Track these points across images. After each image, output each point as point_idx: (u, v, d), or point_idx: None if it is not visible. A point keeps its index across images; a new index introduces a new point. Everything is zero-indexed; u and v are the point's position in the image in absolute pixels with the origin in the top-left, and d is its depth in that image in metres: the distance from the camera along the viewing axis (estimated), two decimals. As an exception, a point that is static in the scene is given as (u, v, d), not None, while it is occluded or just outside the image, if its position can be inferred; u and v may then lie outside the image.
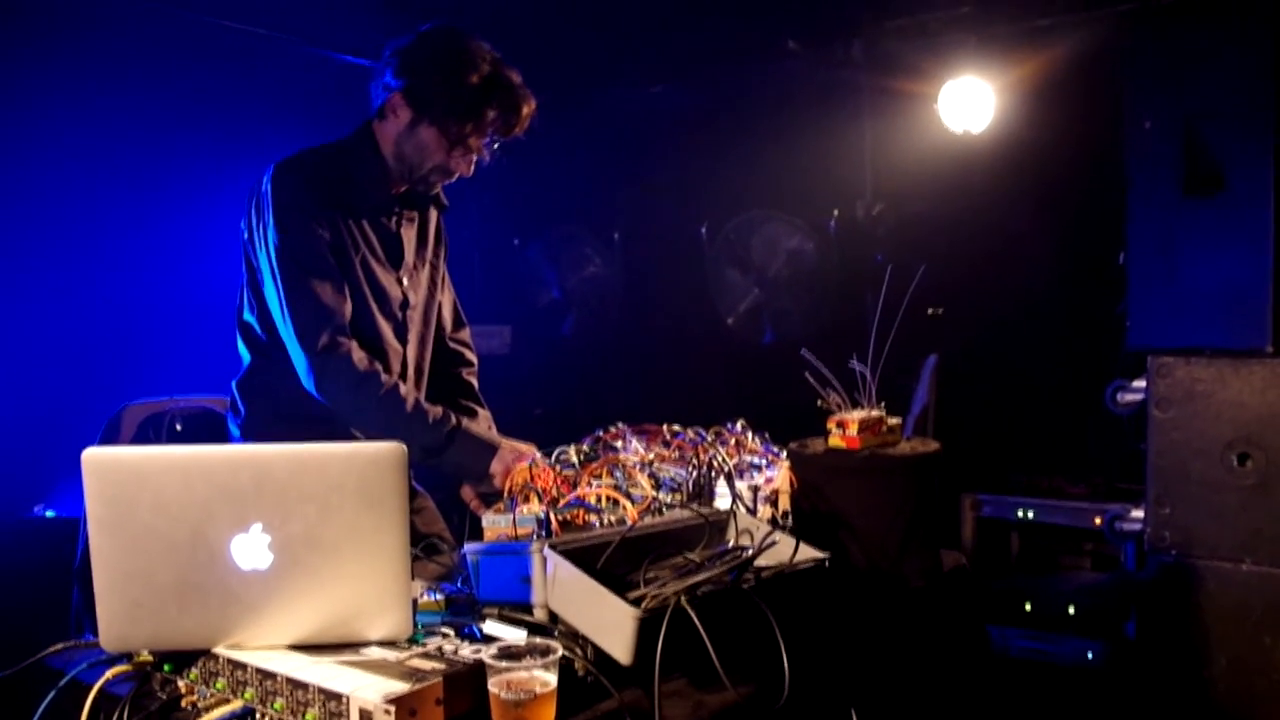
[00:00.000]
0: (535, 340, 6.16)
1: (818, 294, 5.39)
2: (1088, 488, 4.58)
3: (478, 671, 1.44)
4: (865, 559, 2.12)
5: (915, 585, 2.16)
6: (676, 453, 2.19)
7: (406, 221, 2.59)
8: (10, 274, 4.01)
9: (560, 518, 1.89)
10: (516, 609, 1.68)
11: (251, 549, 1.52)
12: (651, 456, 2.16)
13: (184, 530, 1.52)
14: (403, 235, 2.57)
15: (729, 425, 2.37)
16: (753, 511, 2.12)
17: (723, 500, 2.11)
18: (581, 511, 1.93)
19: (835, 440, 2.24)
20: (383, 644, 1.57)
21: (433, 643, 1.59)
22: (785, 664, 1.58)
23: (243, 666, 1.50)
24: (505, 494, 2.04)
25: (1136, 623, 3.80)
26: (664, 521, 1.90)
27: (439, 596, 1.76)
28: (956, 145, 4.91)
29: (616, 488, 1.99)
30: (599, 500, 1.96)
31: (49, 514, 4.00)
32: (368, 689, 1.38)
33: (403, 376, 2.56)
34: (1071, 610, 4.23)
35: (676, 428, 2.28)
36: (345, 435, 2.38)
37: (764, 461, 2.27)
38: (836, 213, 5.41)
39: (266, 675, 1.47)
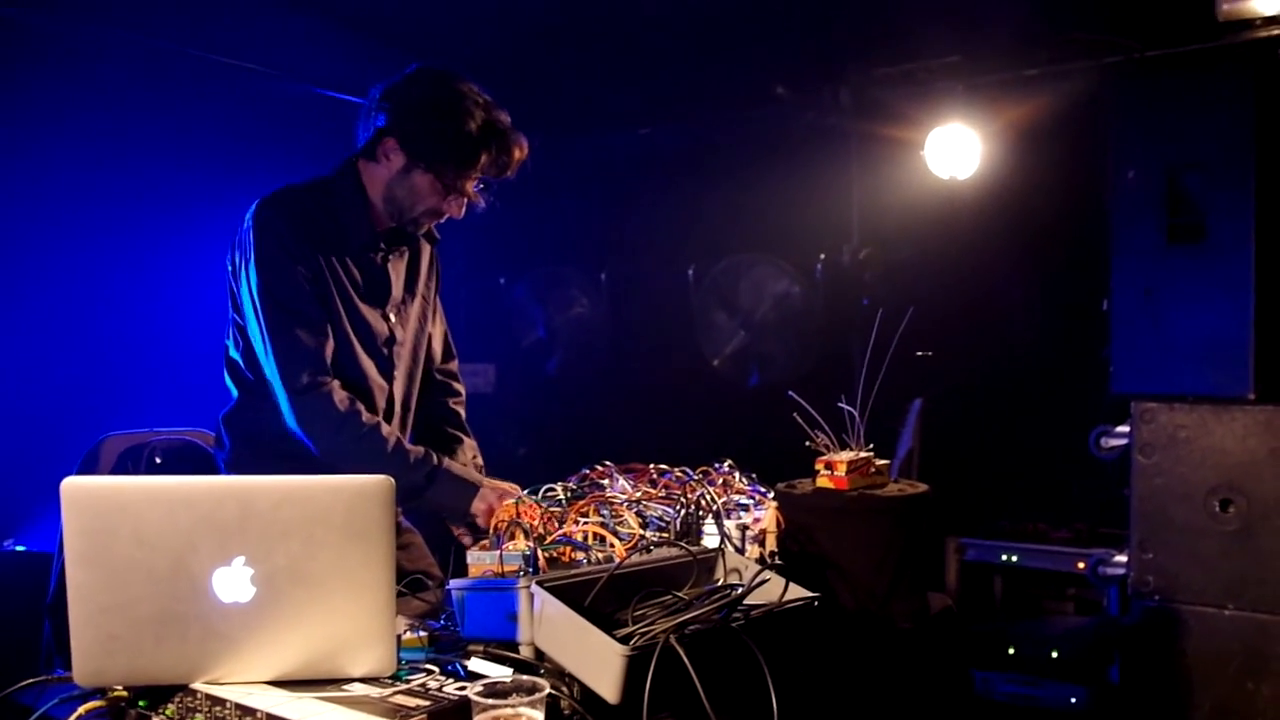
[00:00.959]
0: (520, 380, 6.14)
1: (804, 337, 5.40)
2: (1071, 532, 4.58)
3: (463, 709, 1.42)
4: (853, 600, 2.10)
5: (903, 627, 2.14)
6: (664, 491, 2.17)
7: (395, 256, 2.56)
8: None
9: (547, 555, 1.87)
10: (502, 646, 1.66)
11: (233, 582, 1.50)
12: (639, 495, 2.14)
13: (164, 562, 1.49)
14: (390, 270, 2.55)
15: (716, 465, 2.36)
16: (741, 550, 2.10)
17: (710, 539, 2.10)
18: (568, 549, 1.91)
19: (823, 481, 2.24)
20: (365, 680, 1.54)
21: (416, 679, 1.56)
22: (774, 704, 1.56)
23: (221, 702, 1.47)
24: (491, 531, 2.02)
25: (1120, 667, 3.80)
26: (652, 559, 1.89)
27: (423, 633, 1.73)
28: (943, 191, 4.95)
29: (604, 525, 1.97)
30: (586, 538, 1.94)
31: (19, 549, 3.93)
32: (350, 726, 1.36)
33: (389, 413, 2.53)
34: (1055, 655, 4.21)
35: (663, 467, 2.27)
36: (331, 473, 2.35)
37: (751, 501, 2.26)
38: (823, 257, 5.44)
39: (246, 711, 1.44)
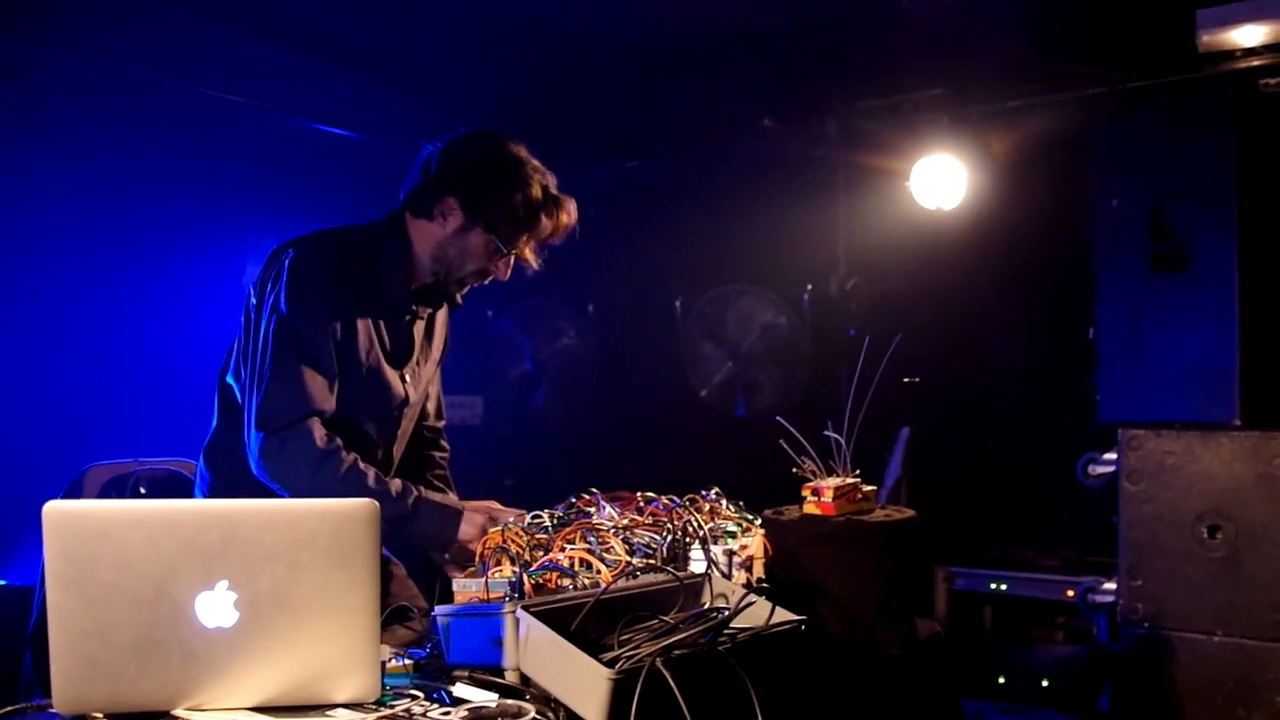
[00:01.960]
0: (508, 412, 6.13)
1: (791, 368, 5.41)
2: (1060, 560, 4.58)
3: (447, 734, 1.40)
4: (841, 626, 2.10)
5: (891, 653, 2.14)
6: (650, 519, 2.17)
7: (419, 317, 2.56)
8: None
9: (533, 581, 1.86)
10: (488, 672, 1.64)
11: (216, 606, 1.49)
12: (625, 522, 2.14)
13: (147, 587, 1.48)
14: (414, 332, 2.55)
15: (703, 493, 2.35)
16: (728, 576, 2.09)
17: (697, 565, 2.09)
18: (555, 574, 1.90)
19: (810, 507, 2.23)
20: (349, 706, 1.53)
21: (400, 705, 1.55)
22: (761, 729, 1.55)
23: (203, 729, 1.46)
24: (477, 558, 2.01)
25: (1110, 695, 3.78)
26: (639, 584, 1.88)
27: (407, 661, 1.72)
28: (929, 222, 4.97)
29: (590, 552, 1.96)
30: (572, 564, 1.93)
31: (0, 583, 3.89)
32: (333, 751, 1.34)
33: (380, 468, 2.50)
34: (1045, 683, 4.20)
35: (650, 495, 2.26)
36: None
37: (739, 529, 2.26)
38: (810, 287, 5.46)
39: (228, 737, 1.43)
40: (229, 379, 2.45)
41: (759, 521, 2.28)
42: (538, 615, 1.60)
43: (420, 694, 1.61)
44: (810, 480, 2.24)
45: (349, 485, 2.27)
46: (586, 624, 1.67)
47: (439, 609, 1.76)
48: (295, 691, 1.52)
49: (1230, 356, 3.51)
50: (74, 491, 2.77)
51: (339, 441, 2.32)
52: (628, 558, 1.97)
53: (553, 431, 6.06)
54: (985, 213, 4.87)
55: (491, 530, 2.04)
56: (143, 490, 2.82)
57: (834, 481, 2.22)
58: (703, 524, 2.14)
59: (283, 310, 2.29)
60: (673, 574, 1.91)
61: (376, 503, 1.54)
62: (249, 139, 4.76)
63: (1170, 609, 3.53)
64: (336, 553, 1.52)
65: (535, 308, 6.11)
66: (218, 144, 4.67)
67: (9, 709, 1.62)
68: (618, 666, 1.50)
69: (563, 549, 1.96)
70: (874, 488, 2.32)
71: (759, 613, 1.80)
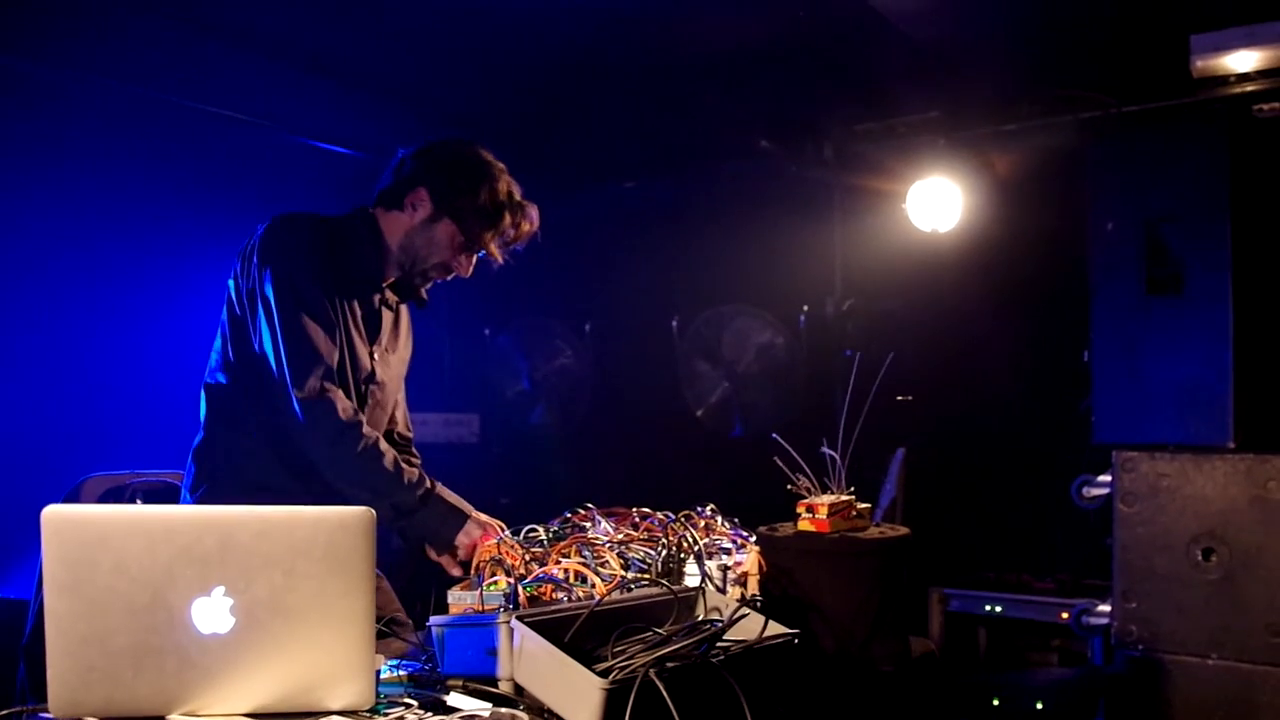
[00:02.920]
0: (504, 430, 6.13)
1: (787, 388, 5.41)
2: (1055, 583, 4.58)
3: (440, 741, 1.41)
4: (834, 641, 2.10)
5: (884, 669, 2.14)
6: (646, 534, 2.17)
7: (386, 308, 2.61)
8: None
9: (528, 592, 1.87)
10: (482, 682, 1.65)
11: (213, 613, 1.50)
12: (620, 537, 2.14)
13: (144, 592, 1.49)
14: (384, 318, 2.60)
15: (698, 509, 2.36)
16: (722, 590, 2.10)
17: (692, 580, 2.10)
18: (549, 587, 1.91)
19: (805, 524, 2.24)
20: (343, 713, 1.53)
21: (395, 713, 1.55)
22: (754, 741, 1.56)
23: (198, 735, 1.46)
24: (472, 569, 2.02)
25: (1105, 718, 3.77)
26: (633, 597, 1.89)
27: (401, 672, 1.73)
28: (925, 244, 5.00)
29: (585, 565, 1.97)
30: (567, 576, 1.94)
31: (-4, 594, 3.89)
32: (327, 757, 1.35)
33: None
34: (1040, 706, 4.19)
35: (646, 510, 2.27)
36: (309, 502, 2.33)
37: (733, 545, 2.26)
38: (806, 308, 5.48)
39: (222, 744, 1.43)
40: (218, 378, 2.47)
41: (754, 538, 2.28)
42: (532, 626, 1.61)
43: (415, 702, 1.61)
44: (805, 497, 2.25)
45: (364, 463, 2.32)
46: (581, 636, 1.68)
47: (434, 619, 1.76)
48: (290, 698, 1.52)
49: (1225, 379, 3.53)
50: (71, 500, 2.78)
51: (362, 417, 2.38)
52: (622, 571, 1.98)
53: (549, 450, 6.05)
54: (981, 235, 4.90)
55: (488, 542, 2.05)
56: (139, 501, 2.82)
57: (828, 499, 2.23)
58: (698, 539, 2.14)
59: (273, 275, 2.35)
60: (667, 587, 1.92)
61: (373, 511, 1.55)
62: (247, 155, 4.79)
63: (1165, 632, 3.53)
64: (332, 560, 1.52)
65: (532, 326, 6.12)
66: (216, 160, 4.70)
67: (5, 713, 1.63)
68: (611, 677, 1.50)
69: (558, 562, 1.97)
70: (868, 505, 2.33)
71: (753, 626, 1.81)
